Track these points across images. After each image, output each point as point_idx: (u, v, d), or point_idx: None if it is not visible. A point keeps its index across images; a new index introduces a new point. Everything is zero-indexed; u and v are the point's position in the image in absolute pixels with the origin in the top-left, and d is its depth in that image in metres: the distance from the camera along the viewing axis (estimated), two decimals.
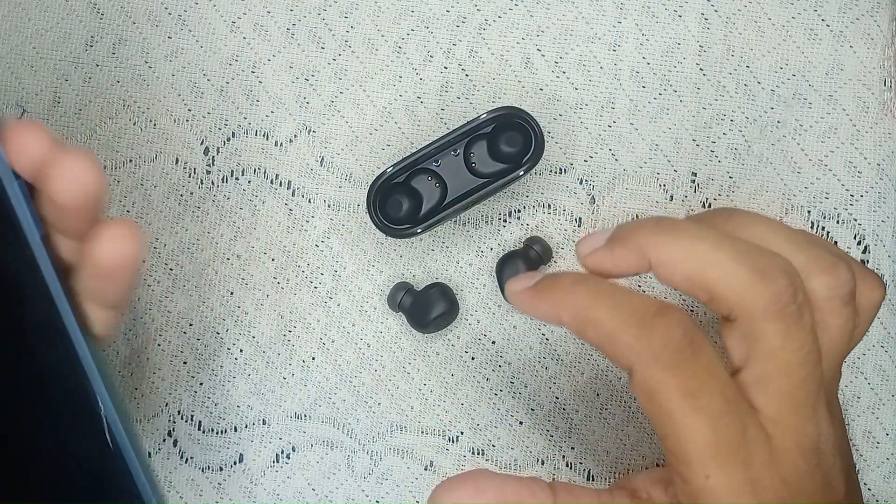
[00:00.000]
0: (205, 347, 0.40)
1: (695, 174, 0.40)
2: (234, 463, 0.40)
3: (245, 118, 0.41)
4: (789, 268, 0.27)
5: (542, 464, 0.40)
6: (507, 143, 0.37)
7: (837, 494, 0.28)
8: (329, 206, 0.41)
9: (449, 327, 0.40)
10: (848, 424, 0.39)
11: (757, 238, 0.29)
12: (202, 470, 0.40)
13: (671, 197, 0.40)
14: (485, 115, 0.37)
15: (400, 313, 0.40)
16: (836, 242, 0.39)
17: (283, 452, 0.40)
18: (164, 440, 0.40)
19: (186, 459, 0.40)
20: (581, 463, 0.40)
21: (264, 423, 0.40)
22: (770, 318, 0.27)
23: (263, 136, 0.41)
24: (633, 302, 0.27)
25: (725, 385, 0.27)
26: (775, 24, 0.40)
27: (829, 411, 0.28)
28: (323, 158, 0.41)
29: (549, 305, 0.29)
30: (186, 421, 0.40)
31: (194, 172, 0.41)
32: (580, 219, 0.40)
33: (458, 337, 0.40)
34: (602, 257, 0.29)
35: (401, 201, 0.37)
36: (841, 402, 0.39)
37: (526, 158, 0.37)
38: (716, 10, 0.41)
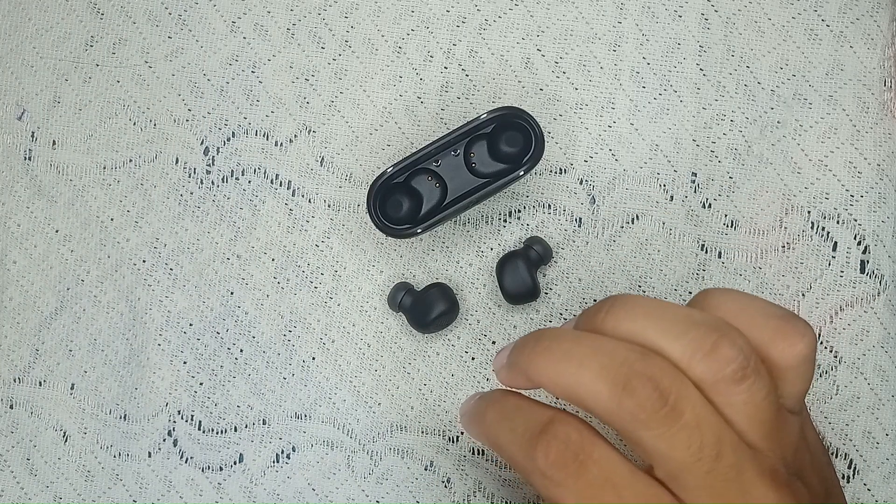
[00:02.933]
0: (205, 347, 0.40)
1: (695, 174, 0.40)
2: (234, 463, 0.40)
3: (245, 118, 0.41)
4: (657, 371, 0.27)
5: None
6: (507, 143, 0.37)
7: None
8: (329, 206, 0.41)
9: (449, 327, 0.40)
10: (847, 424, 0.39)
11: (636, 333, 0.28)
12: (202, 470, 0.40)
13: (671, 197, 0.40)
14: (485, 115, 0.37)
15: (400, 313, 0.40)
16: (836, 243, 0.39)
17: (283, 452, 0.40)
18: (164, 440, 0.40)
19: (186, 459, 0.40)
20: None
21: (264, 423, 0.40)
22: (641, 427, 0.26)
23: (263, 136, 0.41)
24: (525, 421, 0.28)
25: (628, 488, 0.27)
26: (775, 25, 0.40)
27: (773, 480, 0.27)
28: (323, 158, 0.41)
29: (474, 433, 0.31)
30: (186, 421, 0.40)
31: (194, 172, 0.41)
32: (580, 219, 0.40)
33: (458, 337, 0.40)
34: (505, 377, 0.31)
35: (401, 201, 0.37)
36: (841, 402, 0.39)
37: (526, 158, 0.37)
38: (716, 10, 0.41)
